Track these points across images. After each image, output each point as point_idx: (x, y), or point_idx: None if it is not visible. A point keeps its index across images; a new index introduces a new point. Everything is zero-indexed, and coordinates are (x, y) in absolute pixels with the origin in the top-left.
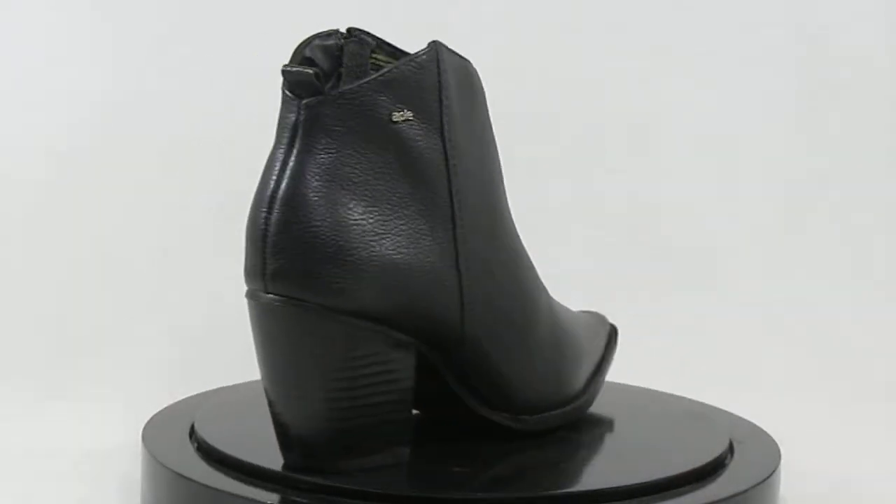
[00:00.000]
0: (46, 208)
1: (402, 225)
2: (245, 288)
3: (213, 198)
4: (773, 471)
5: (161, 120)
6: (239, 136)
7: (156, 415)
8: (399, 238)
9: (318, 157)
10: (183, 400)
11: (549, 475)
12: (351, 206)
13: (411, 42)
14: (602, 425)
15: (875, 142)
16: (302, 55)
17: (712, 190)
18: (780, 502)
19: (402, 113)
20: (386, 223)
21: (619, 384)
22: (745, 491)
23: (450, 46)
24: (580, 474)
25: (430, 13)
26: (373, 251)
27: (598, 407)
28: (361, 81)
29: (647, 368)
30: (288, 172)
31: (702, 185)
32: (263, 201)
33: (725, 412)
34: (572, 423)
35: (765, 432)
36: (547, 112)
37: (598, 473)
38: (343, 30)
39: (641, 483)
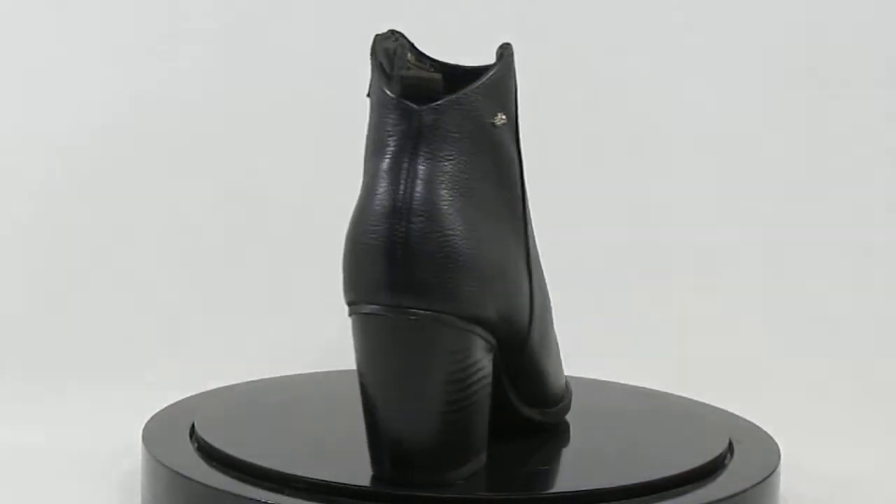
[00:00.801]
0: (48, 207)
1: (497, 229)
2: (351, 302)
3: (213, 198)
4: (773, 471)
5: (161, 120)
6: (238, 136)
7: (156, 415)
8: (498, 243)
9: (443, 164)
10: (183, 400)
11: (549, 475)
12: (471, 213)
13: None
14: (602, 425)
15: (875, 142)
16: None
17: (712, 190)
18: (780, 502)
19: (500, 116)
20: (490, 229)
21: (620, 384)
22: (745, 491)
23: (449, 46)
24: (580, 474)
25: (430, 13)
26: (489, 258)
27: (599, 407)
28: (473, 87)
29: (647, 368)
30: (418, 181)
31: (702, 185)
32: (393, 212)
33: (725, 412)
34: (572, 422)
35: (765, 432)
36: (547, 112)
37: (598, 473)
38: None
39: (641, 483)
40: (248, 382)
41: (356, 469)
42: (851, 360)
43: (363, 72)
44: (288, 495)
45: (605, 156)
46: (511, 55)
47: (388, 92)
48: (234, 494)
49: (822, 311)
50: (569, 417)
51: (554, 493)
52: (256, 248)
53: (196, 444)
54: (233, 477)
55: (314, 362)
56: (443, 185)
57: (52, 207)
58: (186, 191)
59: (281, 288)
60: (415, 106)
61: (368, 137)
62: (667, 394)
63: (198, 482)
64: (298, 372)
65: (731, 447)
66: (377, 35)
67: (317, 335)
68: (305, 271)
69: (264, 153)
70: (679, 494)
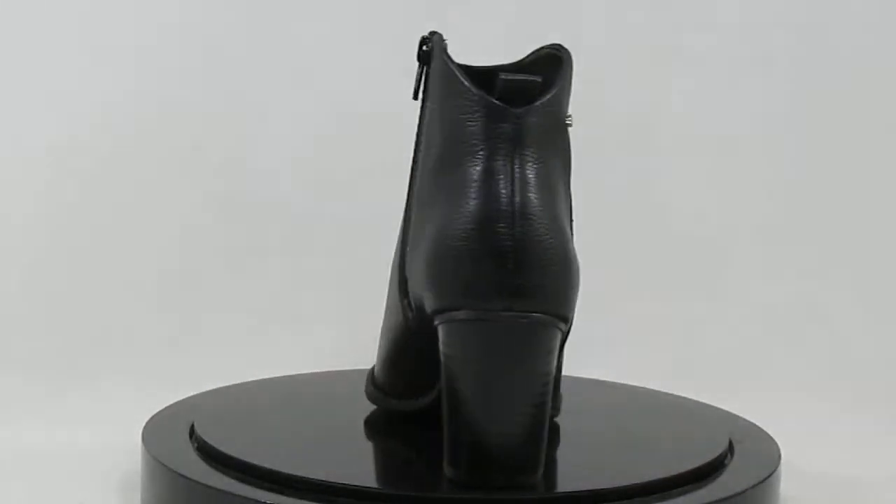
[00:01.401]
0: (48, 207)
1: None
2: (452, 308)
3: (213, 198)
4: (773, 471)
5: (161, 120)
6: (239, 136)
7: (156, 415)
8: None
9: (537, 167)
10: (183, 400)
11: (550, 475)
12: (561, 214)
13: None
14: (602, 425)
15: (875, 142)
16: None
17: (712, 189)
18: (780, 502)
19: (570, 116)
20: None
21: (620, 384)
22: (745, 491)
23: (450, 44)
24: (580, 474)
25: (428, 13)
26: (575, 258)
27: (599, 407)
28: (557, 89)
29: (648, 368)
30: (518, 185)
31: (702, 185)
32: (500, 216)
33: (725, 412)
34: (572, 422)
35: (765, 432)
36: None
37: (598, 473)
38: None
39: (641, 483)
40: (248, 382)
41: (356, 469)
42: (851, 361)
43: (363, 72)
44: (288, 495)
45: (605, 155)
46: (570, 55)
47: (479, 93)
48: (234, 494)
49: (822, 311)
50: (569, 417)
51: (554, 493)
52: (257, 248)
53: (196, 444)
54: (233, 477)
55: (314, 362)
56: (543, 188)
57: (52, 207)
58: (186, 191)
59: (281, 288)
60: (513, 108)
61: (433, 140)
62: (667, 394)
63: (198, 482)
64: (298, 372)
65: (731, 447)
66: (436, 36)
67: (317, 335)
68: (306, 271)
69: (266, 154)
70: (679, 494)
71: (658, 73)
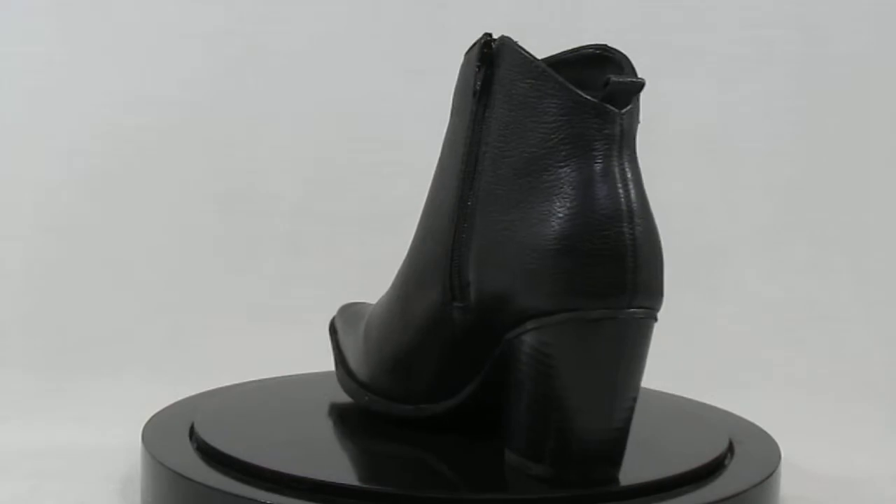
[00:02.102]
0: (48, 207)
1: None
2: (572, 308)
3: (213, 199)
4: (773, 471)
5: (160, 121)
6: (240, 136)
7: (156, 415)
8: None
9: (636, 166)
10: (183, 400)
11: (551, 475)
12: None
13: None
14: None
15: (875, 142)
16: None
17: (712, 190)
18: (780, 502)
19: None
20: None
21: None
22: (745, 491)
23: (448, 45)
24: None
25: (428, 12)
26: None
27: None
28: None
29: (647, 368)
30: (630, 185)
31: (702, 185)
32: (620, 216)
33: (725, 412)
34: None
35: (765, 432)
36: None
37: (599, 473)
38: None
39: (641, 483)
40: (247, 382)
41: (356, 469)
42: (852, 361)
43: (364, 73)
44: (288, 495)
45: None
46: (623, 55)
47: (585, 95)
48: (234, 494)
49: (822, 311)
50: None
51: (554, 493)
52: (257, 248)
53: (196, 444)
54: (233, 477)
55: (314, 362)
56: (642, 187)
57: (52, 208)
58: (187, 191)
59: (281, 288)
60: (617, 109)
61: (514, 142)
62: (667, 394)
63: (198, 482)
64: (298, 372)
65: (731, 447)
66: (507, 39)
67: (317, 336)
68: (306, 271)
69: (266, 154)
70: (679, 494)
71: (658, 72)
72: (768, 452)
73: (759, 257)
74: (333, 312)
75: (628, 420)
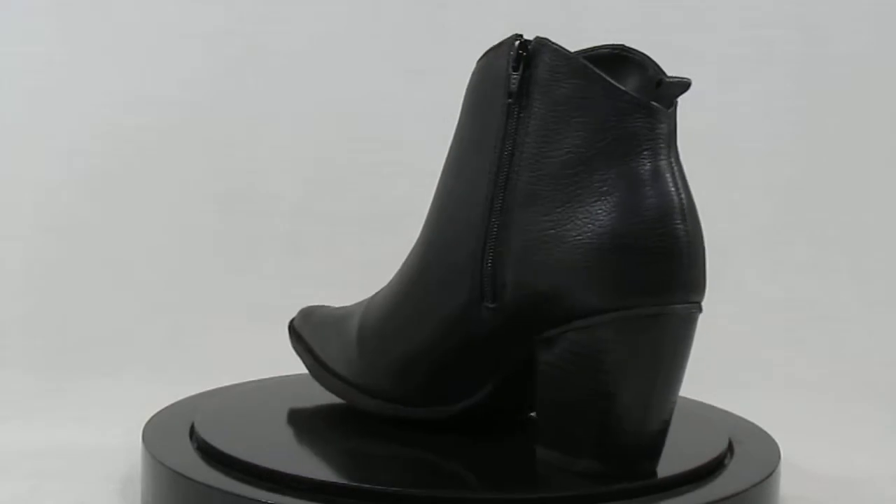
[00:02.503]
0: (49, 208)
1: None
2: (630, 305)
3: (213, 198)
4: (773, 471)
5: (161, 122)
6: (240, 137)
7: (156, 415)
8: None
9: (681, 164)
10: (183, 400)
11: (550, 475)
12: None
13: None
14: None
15: (875, 142)
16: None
17: (712, 190)
18: (780, 502)
19: None
20: None
21: None
22: (745, 491)
23: (448, 45)
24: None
25: (428, 12)
26: None
27: None
28: None
29: None
30: (680, 182)
31: (702, 185)
32: (675, 213)
33: (725, 412)
34: None
35: (765, 432)
36: None
37: (598, 474)
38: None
39: (641, 483)
40: (247, 382)
41: (356, 469)
42: (851, 361)
43: (364, 73)
44: (288, 495)
45: None
46: (645, 55)
47: (637, 95)
48: (234, 494)
49: (822, 311)
50: None
51: (554, 493)
52: (257, 248)
53: (196, 444)
54: (233, 477)
55: None
56: (688, 185)
57: (52, 208)
58: (187, 191)
59: (281, 288)
60: (665, 108)
61: (558, 142)
62: None
63: (198, 482)
64: (298, 372)
65: (731, 447)
66: (546, 41)
67: None
68: (306, 271)
69: (266, 154)
70: (679, 494)
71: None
72: (768, 452)
73: (759, 257)
74: None
75: (671, 413)
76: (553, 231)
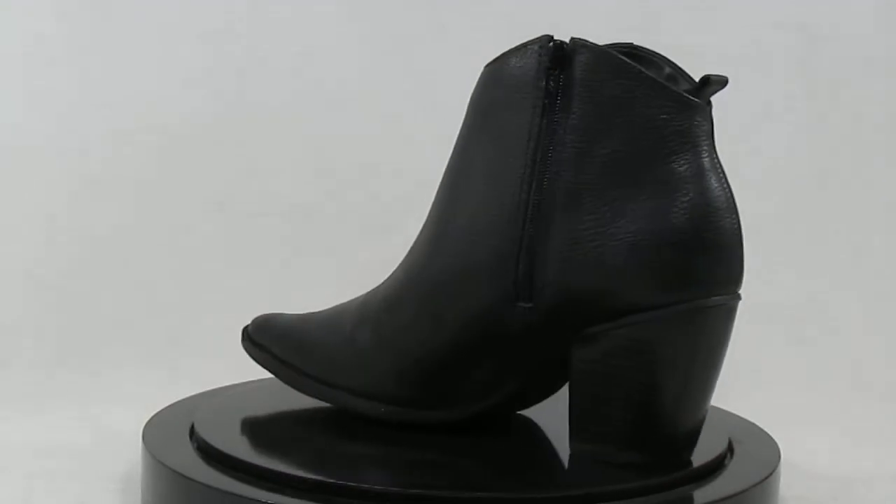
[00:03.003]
0: (49, 208)
1: None
2: (690, 298)
3: (213, 198)
4: (773, 471)
5: (161, 122)
6: (240, 137)
7: (156, 415)
8: None
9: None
10: (183, 400)
11: (550, 475)
12: None
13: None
14: None
15: (875, 141)
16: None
17: None
18: (780, 502)
19: None
20: None
21: None
22: (745, 491)
23: (448, 45)
24: (580, 474)
25: (428, 12)
26: None
27: None
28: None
29: None
30: (724, 178)
31: None
32: (730, 207)
33: (725, 412)
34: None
35: (765, 432)
36: None
37: (598, 473)
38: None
39: (641, 483)
40: (247, 382)
41: (357, 469)
42: (851, 360)
43: (364, 73)
44: (288, 495)
45: None
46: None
47: (681, 91)
48: (234, 494)
49: (822, 311)
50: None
51: (554, 493)
52: (257, 248)
53: (196, 444)
54: (233, 477)
55: None
56: None
57: (52, 208)
58: (187, 191)
59: (281, 288)
60: (706, 106)
61: (600, 140)
62: None
63: (198, 482)
64: None
65: (731, 447)
66: (586, 41)
67: None
68: (306, 271)
69: (266, 155)
70: (679, 494)
71: None
72: (768, 452)
73: (759, 257)
74: None
75: (711, 399)
76: (600, 229)
